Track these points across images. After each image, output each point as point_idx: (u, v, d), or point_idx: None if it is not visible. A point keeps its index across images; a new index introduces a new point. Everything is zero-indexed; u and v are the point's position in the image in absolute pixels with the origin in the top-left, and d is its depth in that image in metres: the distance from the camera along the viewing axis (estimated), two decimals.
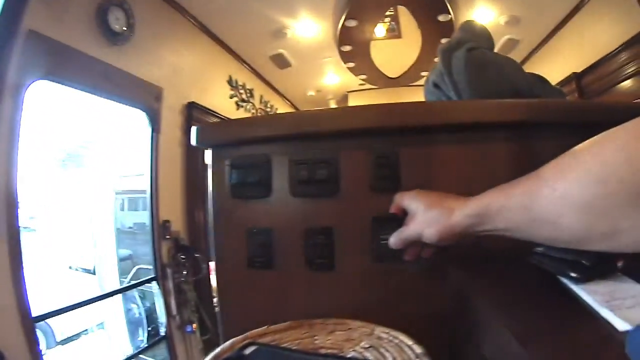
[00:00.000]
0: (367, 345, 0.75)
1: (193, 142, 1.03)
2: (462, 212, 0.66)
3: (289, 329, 0.85)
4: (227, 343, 0.77)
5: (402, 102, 0.92)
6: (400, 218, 0.82)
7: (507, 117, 0.91)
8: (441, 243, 0.72)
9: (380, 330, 0.79)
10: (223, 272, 1.04)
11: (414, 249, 0.81)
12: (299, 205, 0.97)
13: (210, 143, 1.05)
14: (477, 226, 0.65)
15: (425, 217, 0.73)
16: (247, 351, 0.74)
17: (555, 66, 4.28)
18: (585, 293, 0.55)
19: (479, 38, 1.36)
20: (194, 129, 1.03)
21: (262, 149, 0.99)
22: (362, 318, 0.84)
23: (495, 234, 0.63)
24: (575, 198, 0.47)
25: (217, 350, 0.75)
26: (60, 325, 3.70)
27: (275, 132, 0.98)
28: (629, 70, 3.20)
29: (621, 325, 0.46)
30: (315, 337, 0.81)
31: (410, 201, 0.78)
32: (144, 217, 3.75)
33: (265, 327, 0.84)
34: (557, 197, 0.49)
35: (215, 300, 3.91)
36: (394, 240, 0.80)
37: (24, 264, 2.07)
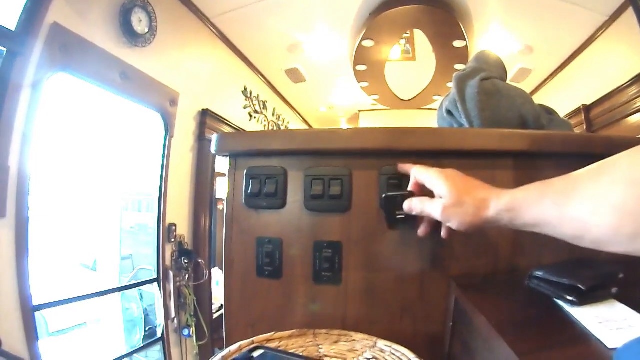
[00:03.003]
0: (369, 357, 0.78)
1: (212, 149, 1.07)
2: (496, 207, 0.66)
3: (294, 337, 0.87)
4: (235, 346, 0.80)
5: (414, 127, 0.95)
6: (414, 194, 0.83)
7: (512, 146, 0.95)
8: (466, 231, 0.72)
9: (382, 343, 0.82)
10: (231, 277, 1.06)
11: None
12: (310, 219, 1.01)
13: (229, 152, 1.08)
14: (507, 221, 0.65)
15: (456, 207, 0.71)
16: (255, 354, 0.77)
17: (565, 97, 4.31)
18: (580, 315, 0.59)
19: (493, 68, 1.40)
20: (214, 137, 1.07)
21: (279, 162, 1.03)
22: (365, 331, 0.88)
23: (522, 229, 0.64)
24: (607, 197, 0.49)
25: (225, 351, 0.78)
26: (54, 317, 3.71)
27: (292, 146, 1.02)
28: (639, 104, 3.21)
29: (611, 342, 0.49)
30: (320, 346, 0.84)
31: (436, 183, 0.76)
32: (146, 218, 3.77)
33: (272, 333, 0.87)
34: (590, 197, 0.52)
35: (214, 306, 3.93)
36: (411, 207, 0.80)
37: (29, 253, 2.10)
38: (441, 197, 0.75)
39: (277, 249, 1.02)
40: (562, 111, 4.10)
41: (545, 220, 0.58)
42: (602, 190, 0.50)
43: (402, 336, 0.91)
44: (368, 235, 0.95)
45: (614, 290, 0.65)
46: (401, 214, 0.82)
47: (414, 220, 0.84)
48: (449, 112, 1.33)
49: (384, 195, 0.85)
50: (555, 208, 0.56)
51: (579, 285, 0.63)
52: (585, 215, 0.52)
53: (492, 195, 0.68)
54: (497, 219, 0.66)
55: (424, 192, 0.80)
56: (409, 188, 0.84)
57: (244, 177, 1.05)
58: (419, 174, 0.81)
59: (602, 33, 3.65)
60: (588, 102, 3.85)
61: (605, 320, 0.56)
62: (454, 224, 0.72)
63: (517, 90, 1.30)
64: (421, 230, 0.84)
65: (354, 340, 0.86)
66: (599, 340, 0.51)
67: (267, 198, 1.02)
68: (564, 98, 4.34)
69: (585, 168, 0.56)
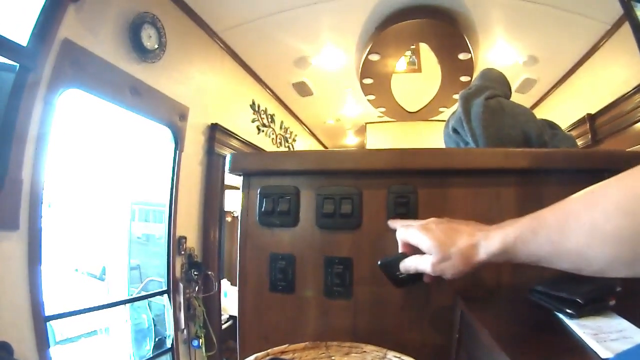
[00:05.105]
0: None
1: (226, 168, 1.11)
2: (486, 251, 0.66)
3: (307, 349, 0.91)
4: (251, 358, 0.83)
5: (421, 148, 1.00)
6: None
7: (516, 164, 0.99)
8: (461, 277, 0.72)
9: (392, 355, 0.86)
10: (245, 292, 1.10)
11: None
12: (322, 236, 1.05)
13: (243, 171, 1.13)
14: (501, 260, 0.65)
15: (444, 261, 0.71)
16: None
17: (570, 107, 4.31)
18: (578, 327, 0.63)
19: (497, 85, 1.44)
20: (228, 156, 1.12)
21: (292, 181, 1.08)
22: (375, 342, 0.91)
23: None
24: (602, 230, 0.49)
25: None
26: (62, 325, 3.71)
27: (305, 166, 1.07)
28: None
29: (604, 353, 0.53)
30: (332, 358, 0.87)
31: (419, 242, 0.76)
32: (154, 228, 3.79)
33: (286, 345, 0.90)
34: (585, 230, 0.51)
35: (222, 317, 3.96)
36: (405, 268, 0.80)
37: (42, 263, 2.11)
38: (428, 253, 0.74)
39: (289, 264, 1.06)
40: (567, 121, 4.11)
41: (542, 257, 0.59)
42: (597, 223, 0.50)
43: (410, 347, 0.94)
44: (378, 251, 0.99)
45: (612, 302, 0.69)
46: (402, 274, 0.84)
47: (417, 274, 0.81)
48: (455, 131, 1.37)
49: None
50: (550, 245, 0.57)
51: (577, 299, 0.67)
52: (582, 248, 0.52)
53: (479, 239, 0.68)
54: (490, 260, 0.67)
55: (416, 249, 0.79)
56: (399, 250, 0.84)
57: (258, 195, 1.09)
58: (401, 235, 0.82)
59: (605, 41, 3.66)
60: (593, 111, 3.83)
61: (601, 332, 0.60)
62: (447, 276, 0.72)
63: (520, 108, 1.34)
64: (426, 280, 0.82)
65: (364, 351, 0.89)
66: (593, 351, 0.55)
67: (280, 216, 1.06)
68: (568, 107, 4.35)
69: (575, 197, 0.56)
